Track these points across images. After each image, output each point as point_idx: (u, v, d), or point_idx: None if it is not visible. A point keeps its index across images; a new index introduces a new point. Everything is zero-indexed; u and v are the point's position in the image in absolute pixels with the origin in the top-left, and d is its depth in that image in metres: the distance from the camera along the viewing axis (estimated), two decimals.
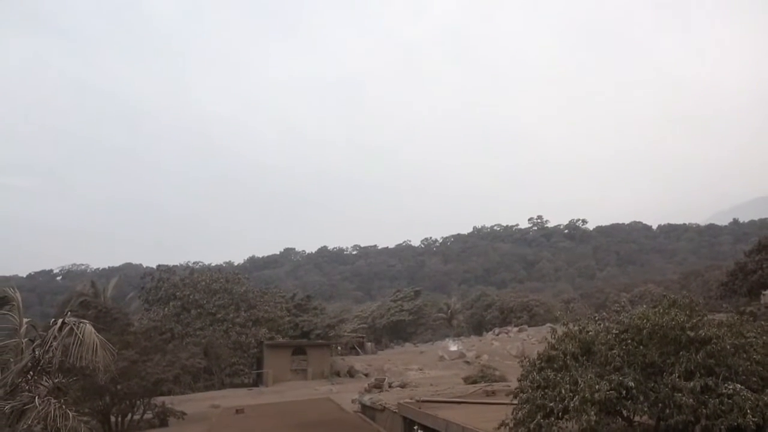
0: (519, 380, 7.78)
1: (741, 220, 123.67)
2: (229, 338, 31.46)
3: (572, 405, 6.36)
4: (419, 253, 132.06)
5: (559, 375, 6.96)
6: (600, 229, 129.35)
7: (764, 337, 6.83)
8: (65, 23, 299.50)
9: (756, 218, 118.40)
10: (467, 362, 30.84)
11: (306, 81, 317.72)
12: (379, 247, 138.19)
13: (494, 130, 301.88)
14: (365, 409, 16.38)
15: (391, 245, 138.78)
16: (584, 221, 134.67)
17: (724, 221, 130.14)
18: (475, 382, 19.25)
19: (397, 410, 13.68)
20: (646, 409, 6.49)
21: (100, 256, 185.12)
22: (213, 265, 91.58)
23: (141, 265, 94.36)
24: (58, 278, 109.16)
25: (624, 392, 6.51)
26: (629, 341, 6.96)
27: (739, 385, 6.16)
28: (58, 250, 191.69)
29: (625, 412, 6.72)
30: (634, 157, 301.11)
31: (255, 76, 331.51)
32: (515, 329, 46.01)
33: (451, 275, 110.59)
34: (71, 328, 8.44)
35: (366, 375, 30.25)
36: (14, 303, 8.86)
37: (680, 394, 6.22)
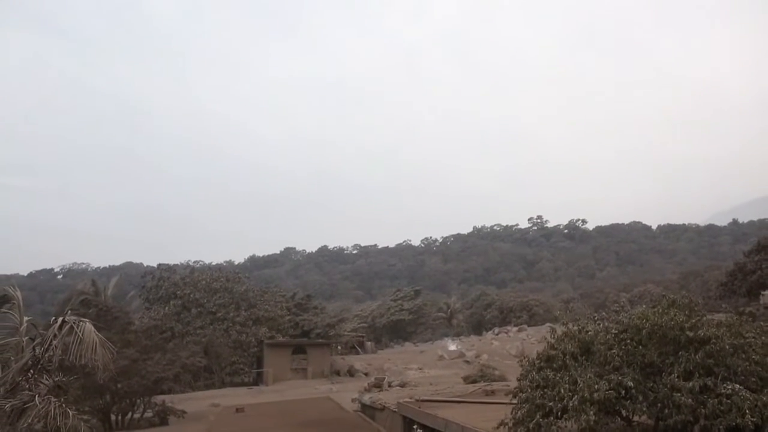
0: (518, 380, 7.79)
1: (740, 221, 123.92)
2: (229, 337, 31.50)
3: (571, 405, 6.37)
4: (419, 252, 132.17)
5: (559, 375, 6.96)
6: (600, 229, 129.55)
7: (763, 338, 6.83)
8: (65, 23, 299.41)
9: (755, 219, 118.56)
10: (467, 362, 30.88)
11: (306, 81, 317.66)
12: (380, 247, 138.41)
13: (494, 131, 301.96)
14: (365, 408, 16.40)
15: (392, 245, 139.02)
16: (584, 221, 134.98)
17: (723, 222, 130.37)
18: (474, 381, 19.26)
19: (396, 409, 13.70)
20: (645, 408, 6.50)
21: (101, 255, 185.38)
22: (213, 264, 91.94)
23: (142, 264, 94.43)
24: (59, 277, 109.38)
25: (623, 392, 6.52)
26: (628, 341, 6.96)
27: (737, 385, 6.17)
28: (59, 249, 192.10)
29: (624, 412, 6.73)
30: (633, 158, 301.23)
31: (255, 76, 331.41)
32: (515, 329, 46.08)
33: (451, 275, 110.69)
34: (71, 327, 8.46)
35: (366, 374, 30.27)
36: (15, 301, 8.89)
37: (679, 394, 6.22)
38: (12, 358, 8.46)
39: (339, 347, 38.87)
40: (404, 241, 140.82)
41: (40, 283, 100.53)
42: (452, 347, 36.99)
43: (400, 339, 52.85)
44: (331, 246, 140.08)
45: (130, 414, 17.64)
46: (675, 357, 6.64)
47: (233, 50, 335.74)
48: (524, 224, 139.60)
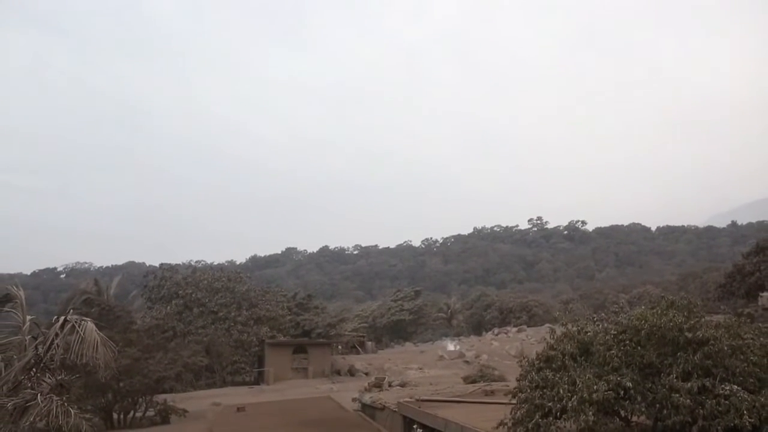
0: (518, 380, 7.82)
1: (739, 223, 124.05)
2: (230, 337, 31.57)
3: (570, 405, 6.40)
4: (420, 253, 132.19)
5: (558, 375, 7.00)
6: (599, 231, 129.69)
7: (761, 339, 6.86)
8: (66, 23, 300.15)
9: (754, 221, 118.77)
10: (467, 362, 30.91)
11: (306, 81, 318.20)
12: (380, 247, 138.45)
13: (494, 132, 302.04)
14: (365, 407, 16.44)
15: (392, 245, 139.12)
16: (584, 222, 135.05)
17: (722, 223, 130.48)
18: (474, 381, 19.30)
19: (396, 409, 13.74)
20: (643, 409, 6.53)
21: (104, 255, 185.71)
22: (215, 264, 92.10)
23: (144, 263, 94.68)
24: (62, 276, 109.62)
25: (622, 392, 6.55)
26: (627, 342, 6.99)
27: (735, 386, 6.19)
28: (62, 249, 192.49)
29: (622, 413, 6.76)
30: (633, 160, 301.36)
31: (255, 76, 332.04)
32: (514, 329, 46.10)
33: (451, 275, 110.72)
34: (73, 326, 8.50)
35: (366, 374, 30.32)
36: (18, 300, 8.92)
37: (677, 395, 6.25)
38: (15, 357, 8.50)
39: (340, 347, 38.92)
40: (405, 242, 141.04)
41: (43, 282, 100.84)
42: (451, 347, 37.04)
43: (401, 339, 52.87)
44: (332, 246, 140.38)
45: (132, 413, 17.71)
46: (673, 358, 6.67)
47: (234, 51, 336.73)
48: (524, 225, 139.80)
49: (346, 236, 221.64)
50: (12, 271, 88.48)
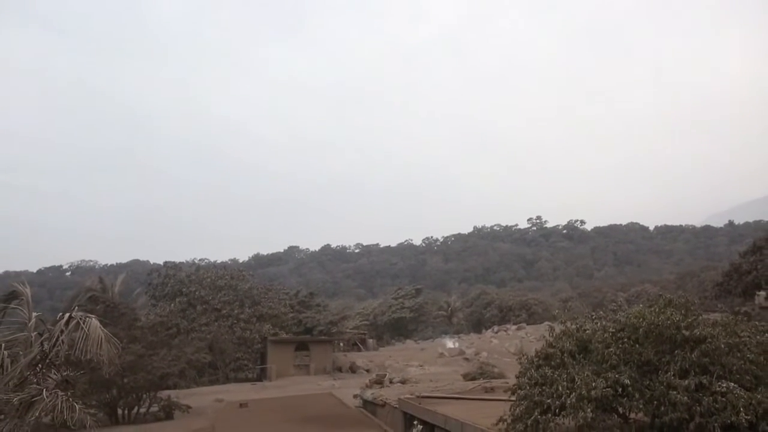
0: (517, 377, 7.89)
1: (736, 222, 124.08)
2: (233, 334, 31.76)
3: (569, 402, 6.47)
4: (420, 251, 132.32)
5: (557, 372, 7.07)
6: (598, 230, 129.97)
7: (758, 337, 6.91)
8: (66, 24, 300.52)
9: (751, 220, 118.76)
10: (467, 359, 31.06)
11: (306, 83, 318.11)
12: (381, 246, 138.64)
13: (493, 133, 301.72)
14: (366, 404, 16.56)
15: (393, 244, 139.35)
16: (582, 222, 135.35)
17: (719, 223, 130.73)
18: (474, 378, 19.39)
19: (397, 405, 13.85)
20: (641, 406, 6.60)
21: (109, 253, 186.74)
22: (218, 262, 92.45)
23: (148, 261, 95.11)
24: (68, 274, 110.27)
25: (620, 390, 6.62)
26: (625, 340, 7.06)
27: (732, 384, 6.26)
28: (68, 247, 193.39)
29: (620, 409, 6.84)
30: (632, 160, 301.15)
31: (256, 77, 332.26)
32: (514, 327, 46.20)
33: (451, 274, 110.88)
34: (78, 323, 8.61)
35: (367, 371, 30.48)
36: (24, 298, 9.04)
37: (675, 392, 6.32)
38: (21, 353, 8.61)
39: (341, 344, 39.11)
40: (406, 241, 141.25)
41: (49, 279, 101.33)
42: (449, 345, 37.18)
43: (401, 336, 53.02)
44: (333, 245, 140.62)
45: (136, 408, 17.86)
46: (671, 355, 6.74)
47: (233, 51, 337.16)
48: (524, 224, 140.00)
49: (348, 235, 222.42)
50: (18, 269, 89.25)
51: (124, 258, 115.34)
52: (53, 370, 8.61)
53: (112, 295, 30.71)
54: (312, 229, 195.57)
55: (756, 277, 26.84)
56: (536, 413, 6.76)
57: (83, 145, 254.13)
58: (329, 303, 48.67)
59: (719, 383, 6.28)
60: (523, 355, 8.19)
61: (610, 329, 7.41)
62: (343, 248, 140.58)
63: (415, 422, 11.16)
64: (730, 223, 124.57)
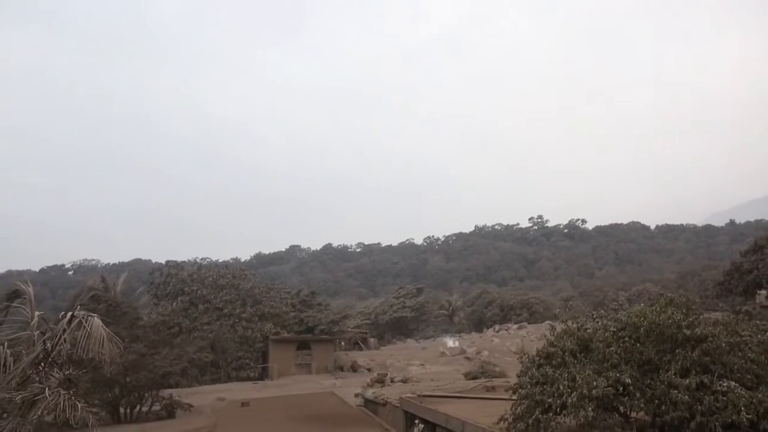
0: (518, 376, 7.90)
1: (738, 221, 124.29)
2: (235, 333, 31.85)
3: (570, 401, 6.48)
4: (422, 251, 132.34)
5: (558, 371, 7.07)
6: (599, 229, 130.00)
7: (759, 336, 6.91)
8: (67, 24, 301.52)
9: (752, 219, 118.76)
10: (468, 358, 31.10)
11: (306, 83, 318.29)
12: (383, 245, 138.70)
13: (494, 132, 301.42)
14: (368, 403, 16.60)
15: (395, 243, 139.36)
16: (584, 221, 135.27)
17: (720, 222, 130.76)
18: (475, 377, 19.41)
19: (398, 404, 13.87)
20: (642, 405, 6.60)
21: (111, 252, 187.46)
22: (220, 261, 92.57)
23: (150, 260, 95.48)
24: (70, 273, 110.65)
25: (621, 389, 6.63)
26: (627, 339, 7.06)
27: (733, 383, 6.25)
28: (70, 246, 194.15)
29: (621, 408, 6.84)
30: (633, 160, 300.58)
31: (255, 78, 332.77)
32: (515, 326, 46.20)
33: (452, 273, 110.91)
34: (80, 321, 8.64)
35: (369, 370, 30.53)
36: (26, 296, 9.08)
37: (676, 391, 6.32)
38: (23, 352, 8.63)
39: (342, 343, 39.17)
40: (407, 240, 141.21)
41: (52, 279, 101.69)
42: (450, 344, 37.22)
43: (403, 336, 53.06)
44: (335, 244, 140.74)
45: (138, 407, 17.93)
46: (672, 354, 6.74)
47: (233, 52, 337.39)
48: (525, 224, 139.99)
49: (349, 234, 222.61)
50: (21, 268, 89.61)
51: (126, 257, 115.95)
52: (56, 369, 8.64)
53: (115, 294, 30.81)
54: (313, 229, 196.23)
55: (757, 276, 26.85)
56: (537, 412, 6.77)
57: (84, 145, 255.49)
58: (331, 302, 48.77)
59: (720, 382, 6.28)
60: (525, 354, 8.20)
61: (611, 328, 7.41)
62: (345, 247, 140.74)
63: (417, 421, 11.18)
64: (732, 222, 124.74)
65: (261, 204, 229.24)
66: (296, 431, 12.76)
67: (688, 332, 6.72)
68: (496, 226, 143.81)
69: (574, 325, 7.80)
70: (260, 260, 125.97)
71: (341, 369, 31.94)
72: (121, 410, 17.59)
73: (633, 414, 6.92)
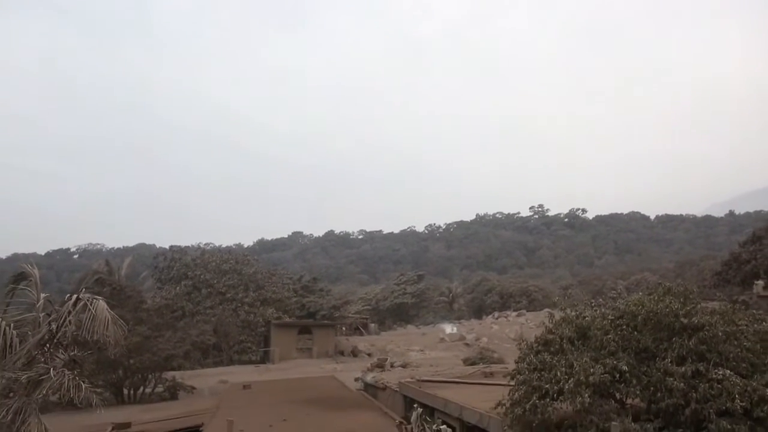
0: (516, 362, 8.00)
1: (737, 212, 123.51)
2: (237, 317, 32.20)
3: (567, 387, 6.58)
4: (423, 238, 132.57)
5: (556, 358, 7.16)
6: (599, 219, 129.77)
7: (755, 325, 6.96)
8: (71, 11, 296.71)
9: (751, 210, 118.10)
10: (467, 344, 31.44)
11: (309, 71, 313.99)
12: (384, 232, 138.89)
13: (497, 123, 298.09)
14: (368, 387, 16.87)
15: (396, 231, 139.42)
16: (584, 210, 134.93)
17: (720, 213, 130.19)
18: (474, 363, 19.69)
19: (398, 389, 14.10)
20: (638, 392, 6.70)
21: (115, 237, 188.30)
22: (223, 246, 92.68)
23: (154, 245, 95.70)
24: (75, 257, 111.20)
25: (617, 376, 6.72)
26: (624, 327, 7.12)
27: (728, 371, 6.32)
28: (76, 230, 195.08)
29: (618, 395, 6.94)
30: (633, 150, 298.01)
31: (257, 64, 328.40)
32: (514, 314, 46.53)
33: (453, 260, 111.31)
34: (85, 304, 8.73)
35: (369, 355, 30.91)
36: (32, 279, 9.13)
37: (672, 379, 6.40)
38: (29, 333, 8.73)
39: (343, 328, 39.58)
40: (408, 228, 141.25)
41: (57, 262, 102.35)
42: (448, 330, 37.56)
43: (403, 321, 53.54)
44: (337, 231, 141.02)
45: (141, 388, 18.27)
46: (669, 343, 6.80)
47: (237, 41, 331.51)
48: (525, 213, 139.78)
49: (351, 222, 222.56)
50: (27, 251, 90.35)
51: (130, 242, 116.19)
52: (61, 350, 8.74)
53: (119, 277, 31.12)
54: (316, 216, 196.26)
55: (755, 267, 26.96)
56: (535, 398, 6.88)
57: (87, 133, 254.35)
58: (332, 288, 49.16)
59: (716, 370, 6.35)
60: (523, 341, 8.30)
61: (609, 316, 7.47)
62: (347, 234, 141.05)
63: (416, 405, 11.36)
64: (731, 213, 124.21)
65: (264, 191, 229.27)
66: (297, 414, 13.00)
67: (685, 321, 6.76)
68: (497, 215, 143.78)
69: (573, 313, 7.86)
70: (263, 246, 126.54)
71: (342, 354, 32.34)
72: (125, 391, 17.94)
73: (629, 401, 7.02)
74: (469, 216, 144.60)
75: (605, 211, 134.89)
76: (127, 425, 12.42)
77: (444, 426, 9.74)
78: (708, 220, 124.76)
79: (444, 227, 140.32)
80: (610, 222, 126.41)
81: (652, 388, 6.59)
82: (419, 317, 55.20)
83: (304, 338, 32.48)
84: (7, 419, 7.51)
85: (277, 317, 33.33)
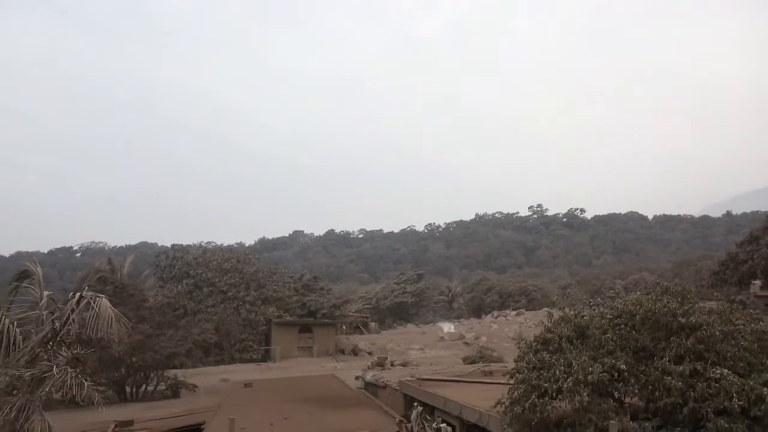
0: (515, 361, 8.06)
1: (734, 213, 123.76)
2: (239, 315, 32.28)
3: (566, 386, 6.64)
4: (423, 237, 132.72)
5: (554, 357, 7.22)
6: (597, 219, 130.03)
7: (752, 325, 7.01)
8: (72, 10, 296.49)
9: (748, 211, 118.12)
10: (466, 343, 31.51)
11: (309, 70, 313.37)
12: (385, 232, 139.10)
13: (497, 123, 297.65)
14: (368, 385, 16.95)
15: (396, 230, 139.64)
16: (582, 210, 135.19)
17: (717, 213, 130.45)
18: (473, 362, 19.75)
19: (398, 387, 14.17)
20: (636, 391, 6.76)
21: (117, 235, 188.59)
22: (225, 245, 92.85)
23: (156, 244, 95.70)
24: (78, 255, 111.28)
25: (616, 375, 6.78)
26: (622, 326, 7.18)
27: (726, 370, 6.38)
28: (78, 229, 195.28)
29: (616, 394, 7.00)
30: (632, 151, 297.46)
31: (258, 63, 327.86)
32: (513, 313, 46.56)
33: (453, 260, 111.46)
34: (88, 302, 8.79)
35: (369, 353, 30.99)
36: (35, 277, 9.19)
37: (670, 378, 6.46)
38: (32, 331, 8.78)
39: (344, 327, 39.68)
40: (408, 227, 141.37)
41: (60, 260, 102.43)
42: (446, 329, 37.64)
43: (403, 320, 53.60)
44: (338, 230, 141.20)
45: (144, 386, 18.33)
46: (667, 342, 6.86)
47: (238, 40, 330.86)
48: (524, 212, 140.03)
49: (352, 221, 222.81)
50: (30, 249, 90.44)
51: (132, 240, 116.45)
52: (64, 348, 8.79)
53: (121, 276, 31.16)
54: (316, 215, 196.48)
55: (752, 267, 27.00)
56: (534, 396, 6.94)
57: (87, 133, 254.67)
58: (333, 287, 49.21)
59: (713, 369, 6.41)
60: (522, 340, 8.37)
61: (608, 316, 7.53)
62: (347, 233, 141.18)
63: (416, 404, 11.43)
64: (728, 214, 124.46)
65: (265, 190, 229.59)
66: (298, 412, 13.08)
67: (683, 320, 6.82)
68: (496, 215, 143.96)
69: (572, 312, 7.92)
70: (264, 245, 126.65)
71: (342, 352, 32.43)
72: (128, 389, 18.01)
73: (627, 399, 7.08)
74: (468, 215, 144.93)
75: (603, 211, 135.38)
76: (130, 423, 12.49)
77: (444, 424, 9.80)
78: (705, 220, 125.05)
79: (444, 227, 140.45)
80: (608, 222, 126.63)
81: (650, 387, 6.65)
82: (419, 316, 55.27)
83: (304, 337, 32.57)
84: (11, 416, 7.56)
85: (278, 316, 33.42)
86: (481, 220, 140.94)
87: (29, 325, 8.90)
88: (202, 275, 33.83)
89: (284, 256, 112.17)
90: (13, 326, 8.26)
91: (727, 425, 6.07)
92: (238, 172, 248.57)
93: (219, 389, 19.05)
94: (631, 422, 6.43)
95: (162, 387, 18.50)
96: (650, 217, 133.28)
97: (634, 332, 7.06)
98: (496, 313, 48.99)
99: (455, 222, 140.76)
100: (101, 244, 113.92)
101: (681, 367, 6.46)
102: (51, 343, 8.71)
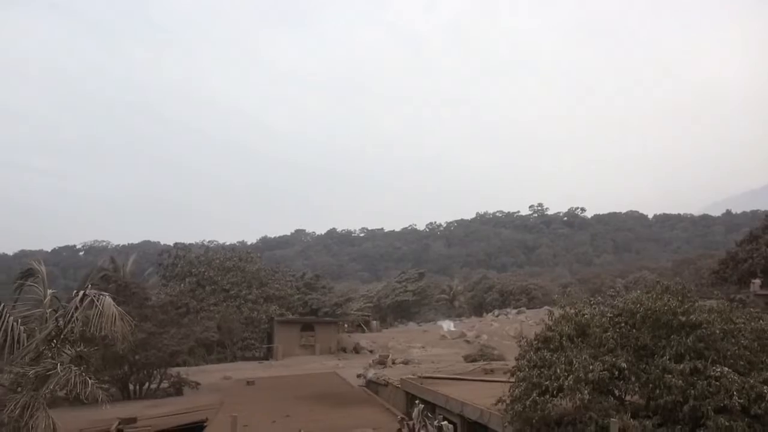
0: (516, 359, 8.10)
1: (734, 212, 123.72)
2: (241, 314, 32.41)
3: (567, 384, 6.67)
4: (424, 236, 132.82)
5: (555, 355, 7.25)
6: (598, 218, 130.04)
7: (752, 323, 7.03)
8: (71, 11, 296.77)
9: (748, 210, 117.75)
10: (467, 341, 31.54)
11: (308, 67, 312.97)
12: (386, 230, 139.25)
13: (498, 121, 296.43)
14: (370, 383, 17.01)
15: (397, 229, 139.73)
16: (583, 209, 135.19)
17: (717, 212, 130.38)
18: (474, 360, 19.80)
19: (399, 385, 14.23)
20: (637, 389, 6.79)
21: (120, 234, 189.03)
22: (227, 244, 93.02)
23: (159, 242, 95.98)
24: (81, 253, 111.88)
25: (616, 373, 6.81)
26: (623, 324, 7.20)
27: (726, 368, 6.40)
28: (81, 227, 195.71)
29: (617, 392, 7.04)
30: (632, 149, 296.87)
31: (258, 62, 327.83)
32: (514, 311, 46.61)
33: (454, 258, 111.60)
34: (92, 300, 8.85)
35: (371, 351, 31.06)
36: (39, 275, 9.27)
37: (670, 376, 6.49)
38: (36, 329, 8.86)
39: (346, 325, 39.76)
40: (409, 226, 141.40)
41: (63, 259, 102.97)
42: (446, 327, 37.69)
43: (404, 319, 53.70)
44: (339, 229, 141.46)
45: (147, 384, 18.45)
46: (667, 340, 6.88)
47: (239, 40, 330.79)
48: (525, 211, 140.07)
49: (353, 220, 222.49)
50: (34, 248, 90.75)
51: (135, 239, 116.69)
52: (68, 346, 8.86)
53: (124, 274, 31.27)
54: (318, 214, 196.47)
55: (752, 266, 27.00)
56: (534, 394, 6.97)
57: (91, 132, 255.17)
58: (334, 285, 49.27)
59: (714, 368, 6.43)
60: (523, 339, 8.39)
61: (608, 314, 7.55)
62: (349, 232, 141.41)
63: (417, 401, 11.48)
64: (728, 213, 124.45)
65: (267, 189, 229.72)
66: (300, 410, 13.14)
67: (683, 319, 6.84)
68: (497, 214, 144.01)
69: (572, 311, 7.94)
70: (266, 244, 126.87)
71: (344, 350, 32.52)
72: (131, 387, 18.12)
73: (628, 397, 7.11)
74: (469, 214, 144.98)
75: (604, 210, 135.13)
76: (133, 420, 12.59)
77: (445, 422, 9.86)
78: (705, 219, 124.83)
79: (445, 225, 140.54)
80: (608, 221, 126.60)
81: (650, 385, 6.68)
82: (420, 314, 55.35)
83: (306, 335, 32.67)
84: (16, 413, 7.64)
85: (280, 314, 33.52)
86: (482, 219, 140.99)
87: (33, 323, 8.97)
88: (205, 274, 33.96)
89: (286, 254, 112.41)
90: (17, 324, 8.33)
91: (727, 423, 6.09)
92: (239, 171, 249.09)
93: (221, 387, 19.16)
94: (631, 420, 6.46)
95: (165, 385, 18.62)
96: (650, 216, 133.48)
97: (634, 330, 7.09)
98: (497, 311, 49.03)
99: (456, 221, 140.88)
100: (104, 243, 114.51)
101: (681, 366, 6.48)
102: (55, 340, 8.79)
